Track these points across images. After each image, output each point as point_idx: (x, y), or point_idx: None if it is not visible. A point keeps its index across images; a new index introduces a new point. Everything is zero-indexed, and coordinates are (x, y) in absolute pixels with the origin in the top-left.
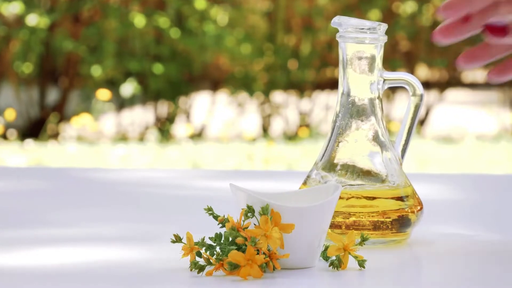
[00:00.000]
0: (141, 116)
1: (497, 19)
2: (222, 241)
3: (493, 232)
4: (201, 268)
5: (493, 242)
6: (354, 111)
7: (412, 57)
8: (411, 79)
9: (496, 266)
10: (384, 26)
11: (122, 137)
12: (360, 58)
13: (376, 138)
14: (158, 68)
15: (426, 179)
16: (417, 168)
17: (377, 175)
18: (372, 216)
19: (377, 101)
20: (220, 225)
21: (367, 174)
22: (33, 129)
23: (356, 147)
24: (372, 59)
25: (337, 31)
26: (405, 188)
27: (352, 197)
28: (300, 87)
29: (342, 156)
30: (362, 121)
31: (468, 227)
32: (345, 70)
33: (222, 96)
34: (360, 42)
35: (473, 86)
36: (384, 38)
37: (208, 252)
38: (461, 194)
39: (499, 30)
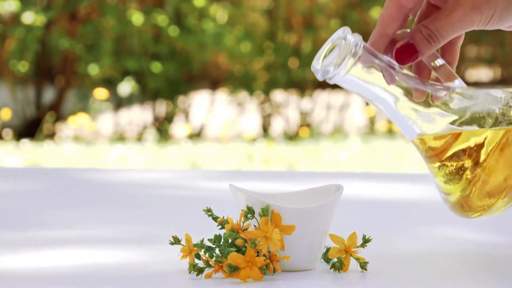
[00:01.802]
0: (139, 115)
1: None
2: (221, 243)
3: (501, 234)
4: (200, 270)
5: (500, 245)
6: None
7: None
8: None
9: (503, 270)
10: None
11: (120, 137)
12: None
13: None
14: (156, 67)
15: (430, 179)
16: (420, 169)
17: None
18: None
19: None
20: (220, 226)
21: None
22: (29, 128)
23: None
24: None
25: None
26: None
27: None
28: (301, 86)
29: None
30: None
31: (474, 229)
32: None
33: (222, 95)
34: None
35: (477, 85)
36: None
37: (207, 254)
38: None
39: (407, 51)
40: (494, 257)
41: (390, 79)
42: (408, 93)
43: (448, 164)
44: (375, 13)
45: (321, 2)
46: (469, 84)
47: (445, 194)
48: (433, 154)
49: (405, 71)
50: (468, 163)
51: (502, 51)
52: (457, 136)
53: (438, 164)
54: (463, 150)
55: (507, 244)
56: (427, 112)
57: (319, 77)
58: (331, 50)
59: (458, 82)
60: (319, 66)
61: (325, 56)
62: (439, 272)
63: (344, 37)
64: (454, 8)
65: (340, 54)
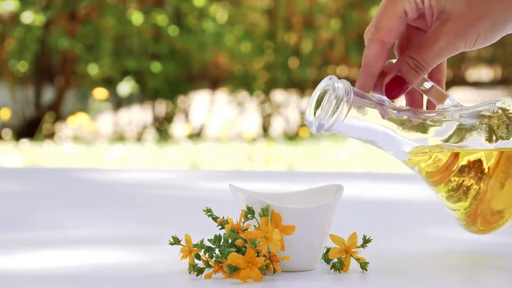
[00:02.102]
0: (139, 115)
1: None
2: (221, 243)
3: (501, 234)
4: (200, 271)
5: (501, 245)
6: None
7: None
8: None
9: (503, 270)
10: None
11: (120, 137)
12: None
13: None
14: (156, 67)
15: None
16: None
17: None
18: None
19: None
20: (220, 226)
21: None
22: (29, 128)
23: None
24: None
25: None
26: None
27: None
28: (301, 86)
29: None
30: None
31: None
32: None
33: (222, 95)
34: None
35: (477, 84)
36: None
37: (207, 254)
38: None
39: (396, 84)
40: (494, 257)
41: (383, 114)
42: (402, 123)
43: (452, 184)
44: (375, 13)
45: (321, 2)
46: (469, 84)
47: (454, 214)
48: (438, 178)
49: (396, 105)
50: (470, 181)
51: (502, 50)
52: (455, 155)
53: (443, 185)
54: (466, 169)
55: (507, 244)
56: (423, 137)
57: (314, 131)
58: (320, 100)
59: (449, 101)
60: (312, 118)
61: (316, 107)
62: (439, 273)
63: (333, 86)
64: (437, 36)
65: (332, 104)
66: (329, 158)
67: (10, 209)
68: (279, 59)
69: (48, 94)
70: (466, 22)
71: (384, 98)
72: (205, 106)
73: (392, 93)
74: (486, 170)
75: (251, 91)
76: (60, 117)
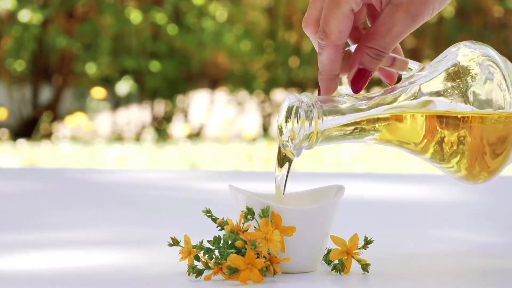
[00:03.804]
0: (137, 115)
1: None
2: (221, 245)
3: (502, 235)
4: (199, 273)
5: (501, 246)
6: None
7: (417, 53)
8: None
9: (504, 270)
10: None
11: (118, 137)
12: None
13: None
14: (154, 66)
15: (432, 180)
16: (422, 168)
17: None
18: None
19: None
20: (219, 227)
21: None
22: (26, 128)
23: None
24: None
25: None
26: None
27: None
28: (302, 85)
29: None
30: None
31: (478, 231)
32: None
33: (221, 94)
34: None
35: None
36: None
37: (206, 255)
38: (471, 196)
39: (359, 77)
40: (495, 257)
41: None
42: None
43: (438, 144)
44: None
45: None
46: None
47: (453, 173)
48: (422, 146)
49: (363, 96)
50: (453, 135)
51: (506, 49)
52: (429, 119)
53: (431, 151)
54: (445, 127)
55: (507, 244)
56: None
57: (296, 155)
58: (288, 118)
59: (413, 65)
60: (291, 143)
61: (287, 122)
62: (441, 274)
63: (299, 101)
64: (393, 22)
65: (305, 119)
66: (330, 158)
67: (6, 210)
68: (279, 58)
69: (46, 94)
70: (420, 1)
71: (349, 92)
72: (204, 105)
73: (358, 87)
74: (463, 120)
75: (251, 90)
76: (57, 117)
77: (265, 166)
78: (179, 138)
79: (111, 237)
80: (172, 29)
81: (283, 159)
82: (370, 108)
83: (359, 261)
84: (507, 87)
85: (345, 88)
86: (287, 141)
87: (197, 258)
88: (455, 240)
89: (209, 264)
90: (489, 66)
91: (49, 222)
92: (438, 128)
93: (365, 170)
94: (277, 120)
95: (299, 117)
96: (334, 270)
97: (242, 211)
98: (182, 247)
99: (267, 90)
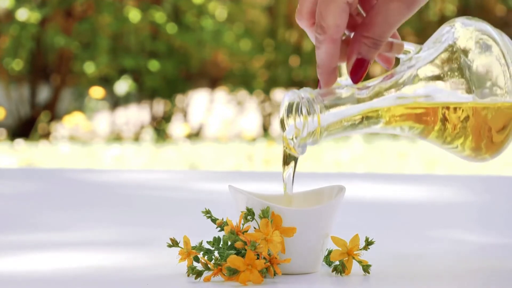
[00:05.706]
0: (136, 115)
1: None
2: (220, 245)
3: (502, 235)
4: (198, 274)
5: (502, 246)
6: None
7: None
8: None
9: (504, 271)
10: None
11: (117, 137)
12: None
13: None
14: (154, 65)
15: (433, 180)
16: (424, 169)
17: None
18: None
19: None
20: (219, 228)
21: None
22: (24, 128)
23: None
24: None
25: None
26: None
27: None
28: (302, 85)
29: None
30: None
31: (478, 231)
32: None
33: (221, 94)
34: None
35: None
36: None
37: (206, 256)
38: (471, 196)
39: (359, 67)
40: (495, 257)
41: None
42: (377, 94)
43: (441, 128)
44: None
45: None
46: None
47: (459, 153)
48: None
49: (363, 85)
50: (456, 117)
51: None
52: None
53: (436, 130)
54: (445, 111)
55: (507, 244)
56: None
57: (301, 152)
58: (290, 114)
59: (406, 45)
60: (295, 141)
61: (289, 118)
62: (443, 275)
63: (299, 97)
64: (389, 11)
65: (307, 118)
66: (331, 158)
67: (4, 210)
68: (280, 57)
69: (44, 93)
70: None
71: (349, 82)
72: (204, 105)
73: (357, 77)
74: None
75: (251, 90)
76: (55, 117)
77: (265, 166)
78: (179, 138)
79: (110, 238)
80: (171, 28)
81: (288, 158)
82: (371, 98)
83: (360, 262)
84: (506, 62)
85: (344, 78)
86: (292, 138)
87: (196, 259)
88: (455, 240)
89: (208, 265)
90: (486, 41)
91: (47, 222)
92: (440, 110)
93: (365, 170)
94: (279, 117)
95: (301, 113)
96: (334, 271)
97: (242, 211)
98: (182, 248)
99: (267, 90)
